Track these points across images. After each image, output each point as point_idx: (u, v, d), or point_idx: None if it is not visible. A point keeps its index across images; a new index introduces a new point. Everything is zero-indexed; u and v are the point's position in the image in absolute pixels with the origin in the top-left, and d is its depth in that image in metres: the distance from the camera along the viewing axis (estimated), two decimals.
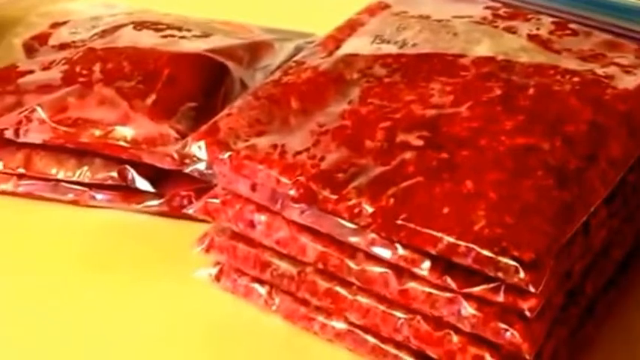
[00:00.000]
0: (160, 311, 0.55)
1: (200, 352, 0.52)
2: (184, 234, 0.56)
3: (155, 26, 0.68)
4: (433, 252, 0.44)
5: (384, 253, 0.46)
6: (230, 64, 0.64)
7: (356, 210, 0.46)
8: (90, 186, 0.61)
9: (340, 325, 0.51)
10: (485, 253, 0.43)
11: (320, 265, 0.49)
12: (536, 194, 0.44)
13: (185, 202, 0.60)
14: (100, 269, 0.57)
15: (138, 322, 0.54)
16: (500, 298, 0.43)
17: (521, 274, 0.42)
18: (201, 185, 0.57)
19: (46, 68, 0.64)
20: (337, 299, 0.49)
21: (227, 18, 0.72)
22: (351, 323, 0.50)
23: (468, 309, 0.45)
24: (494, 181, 0.45)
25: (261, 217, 0.50)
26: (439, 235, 0.44)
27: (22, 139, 0.61)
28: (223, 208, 0.51)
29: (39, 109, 0.61)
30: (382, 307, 0.48)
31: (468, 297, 0.45)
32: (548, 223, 0.43)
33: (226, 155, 0.49)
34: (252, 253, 0.52)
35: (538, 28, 0.54)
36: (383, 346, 0.49)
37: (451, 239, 0.43)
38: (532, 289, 0.42)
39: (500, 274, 0.43)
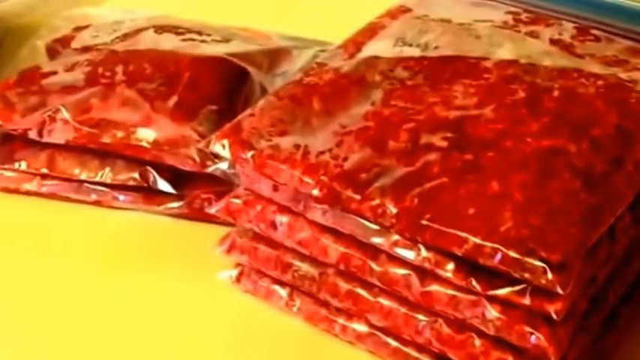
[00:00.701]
0: (180, 312, 0.53)
1: (220, 354, 0.51)
2: (204, 236, 0.55)
3: (176, 30, 0.67)
4: (458, 253, 0.42)
5: (408, 254, 0.45)
6: (250, 69, 0.63)
7: (380, 210, 0.44)
8: (112, 187, 0.60)
9: (361, 327, 0.49)
10: (512, 254, 0.41)
11: (342, 267, 0.48)
12: (563, 196, 0.43)
13: (205, 204, 0.58)
14: (120, 270, 0.56)
15: (157, 324, 0.53)
16: (527, 300, 0.42)
17: (549, 276, 0.40)
18: (222, 188, 0.56)
19: (69, 70, 0.63)
20: (358, 301, 0.48)
21: (245, 25, 0.71)
22: (372, 325, 0.49)
23: (492, 312, 0.43)
24: (521, 183, 0.43)
25: (283, 218, 0.49)
26: (465, 235, 0.42)
27: (45, 139, 0.60)
28: (245, 209, 0.50)
29: (63, 109, 0.60)
30: (404, 310, 0.47)
31: (492, 300, 0.43)
32: (576, 225, 0.42)
33: (249, 154, 0.48)
34: (273, 254, 0.50)
35: (560, 34, 0.53)
36: (404, 348, 0.48)
37: (477, 240, 0.42)
38: (560, 291, 0.40)
39: (526, 276, 0.41)
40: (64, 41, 0.68)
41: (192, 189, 0.59)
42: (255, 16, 0.75)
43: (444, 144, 0.46)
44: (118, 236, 0.59)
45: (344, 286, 0.48)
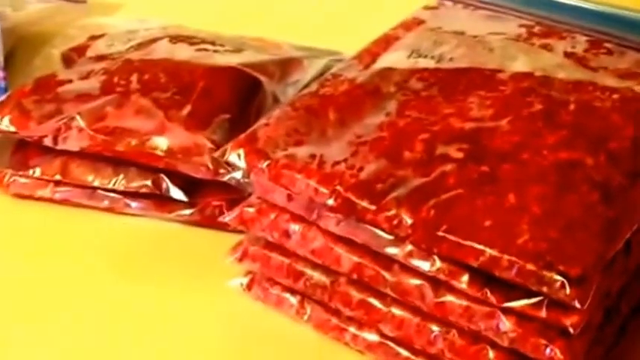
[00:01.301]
0: (190, 319, 0.52)
1: None
2: (214, 243, 0.54)
3: (190, 40, 0.66)
4: (474, 265, 0.41)
5: (423, 265, 0.43)
6: (262, 78, 0.62)
7: (395, 221, 0.43)
8: (124, 194, 0.59)
9: (372, 336, 0.48)
10: (530, 267, 0.40)
11: (354, 276, 0.46)
12: (581, 209, 0.41)
13: (217, 212, 0.57)
14: (131, 276, 0.55)
15: (168, 330, 0.52)
16: (543, 313, 0.40)
17: (567, 290, 0.39)
18: (233, 196, 0.55)
19: (84, 78, 0.62)
20: (371, 310, 0.47)
21: (256, 35, 0.70)
22: (383, 335, 0.47)
23: (507, 324, 0.42)
24: (538, 195, 0.42)
25: (297, 227, 0.47)
26: (481, 247, 0.41)
27: (60, 147, 0.59)
28: (258, 218, 0.49)
29: (78, 117, 0.58)
30: (416, 320, 0.45)
31: (507, 311, 0.42)
32: (595, 238, 0.40)
33: (265, 164, 0.46)
34: (285, 262, 0.49)
35: (573, 46, 0.52)
36: (415, 358, 0.46)
37: (494, 252, 0.41)
38: (578, 305, 0.39)
39: (544, 289, 0.40)
40: (80, 50, 0.67)
41: (204, 196, 0.58)
42: (266, 27, 0.74)
43: (460, 155, 0.45)
44: (129, 242, 0.58)
45: (356, 295, 0.47)
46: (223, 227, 0.53)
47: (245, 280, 0.52)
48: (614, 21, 0.54)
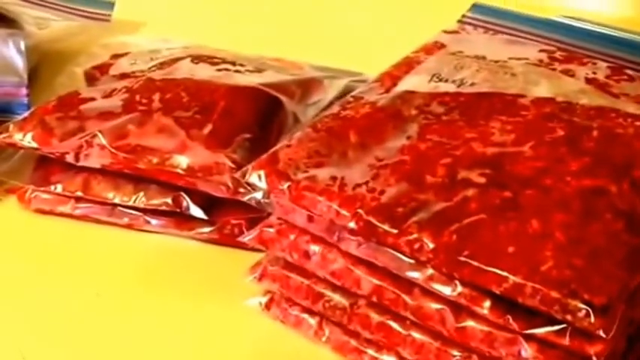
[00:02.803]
0: (208, 338, 0.51)
1: None
2: (233, 262, 0.53)
3: (211, 60, 0.66)
4: (497, 291, 0.40)
5: (444, 289, 0.42)
6: (283, 98, 0.61)
7: (416, 245, 0.42)
8: (144, 211, 0.58)
9: (391, 359, 0.46)
10: (554, 294, 0.39)
11: (374, 299, 0.45)
12: (606, 238, 0.40)
13: (236, 230, 0.56)
14: (149, 293, 0.54)
15: (185, 348, 0.51)
16: (566, 341, 0.39)
17: (592, 319, 0.38)
18: (253, 215, 0.54)
19: (107, 96, 0.61)
20: (390, 333, 0.45)
21: (277, 56, 0.69)
22: (402, 358, 0.46)
23: (529, 350, 0.41)
24: (562, 223, 0.41)
25: (317, 248, 0.46)
26: (504, 274, 0.40)
27: (81, 163, 0.58)
28: (278, 238, 0.48)
29: (99, 134, 0.58)
30: (436, 344, 0.44)
31: (529, 338, 0.41)
32: (619, 267, 0.39)
33: (285, 186, 0.45)
34: (304, 283, 0.48)
35: (595, 72, 0.51)
36: None
37: (518, 279, 0.39)
38: (603, 335, 0.37)
39: (568, 317, 0.39)
40: (103, 68, 0.67)
41: (223, 215, 0.57)
42: (286, 47, 0.73)
43: (482, 180, 0.43)
44: (148, 259, 0.57)
45: (376, 317, 0.46)
46: (242, 246, 0.51)
47: (264, 300, 0.51)
48: (634, 47, 0.53)
